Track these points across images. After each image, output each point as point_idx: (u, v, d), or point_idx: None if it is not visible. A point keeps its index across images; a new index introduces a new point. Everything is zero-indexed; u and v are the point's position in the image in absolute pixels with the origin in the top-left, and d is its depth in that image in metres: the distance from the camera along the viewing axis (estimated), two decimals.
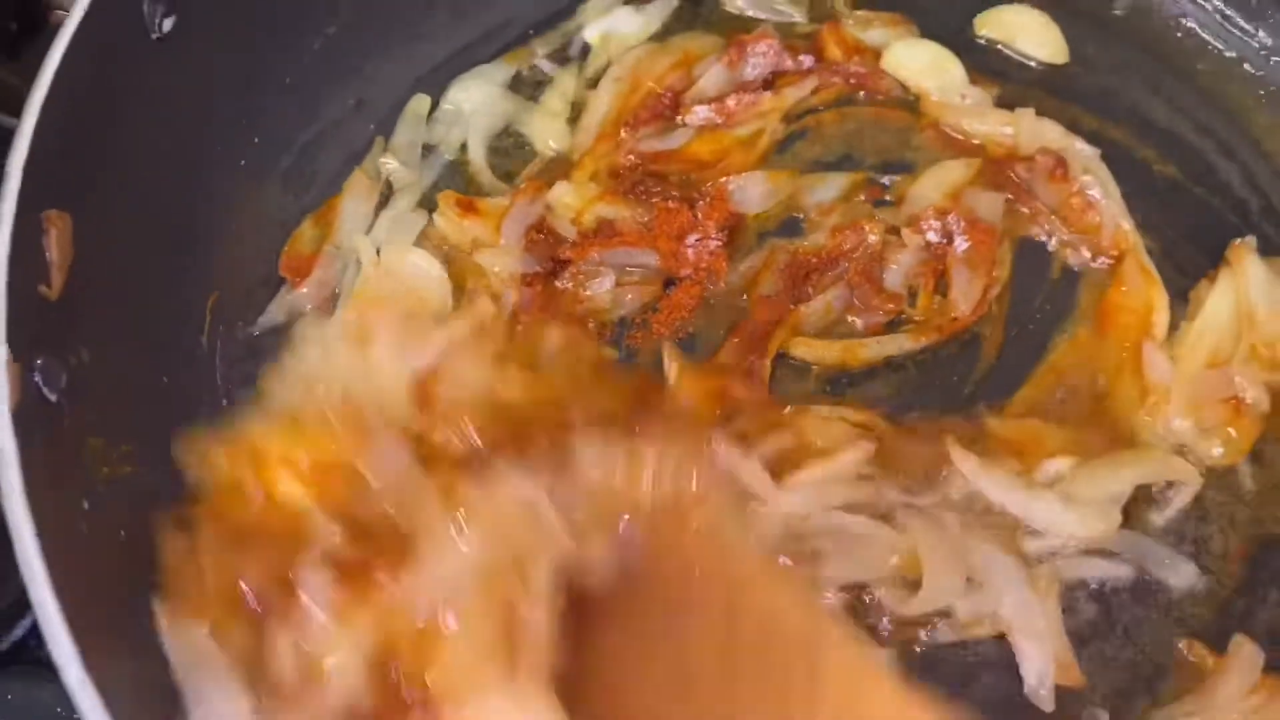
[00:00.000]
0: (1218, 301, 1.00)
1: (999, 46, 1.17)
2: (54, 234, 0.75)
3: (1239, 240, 1.02)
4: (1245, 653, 0.86)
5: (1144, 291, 1.01)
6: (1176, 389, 0.96)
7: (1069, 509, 0.88)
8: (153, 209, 0.88)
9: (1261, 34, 1.16)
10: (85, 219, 0.77)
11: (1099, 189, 1.05)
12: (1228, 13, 1.17)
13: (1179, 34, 1.18)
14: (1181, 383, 0.96)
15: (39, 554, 0.62)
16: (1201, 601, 0.89)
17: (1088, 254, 1.05)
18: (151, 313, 0.87)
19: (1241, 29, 1.17)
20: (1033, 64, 1.16)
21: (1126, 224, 1.05)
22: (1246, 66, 1.16)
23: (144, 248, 0.87)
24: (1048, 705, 0.83)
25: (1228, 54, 1.16)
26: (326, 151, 1.05)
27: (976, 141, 1.10)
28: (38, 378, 0.70)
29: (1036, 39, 1.16)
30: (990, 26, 1.17)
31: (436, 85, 1.10)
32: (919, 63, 1.13)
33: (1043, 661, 0.83)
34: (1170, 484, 0.93)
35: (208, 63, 0.91)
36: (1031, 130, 1.09)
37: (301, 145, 1.04)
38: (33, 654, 0.87)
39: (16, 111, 1.00)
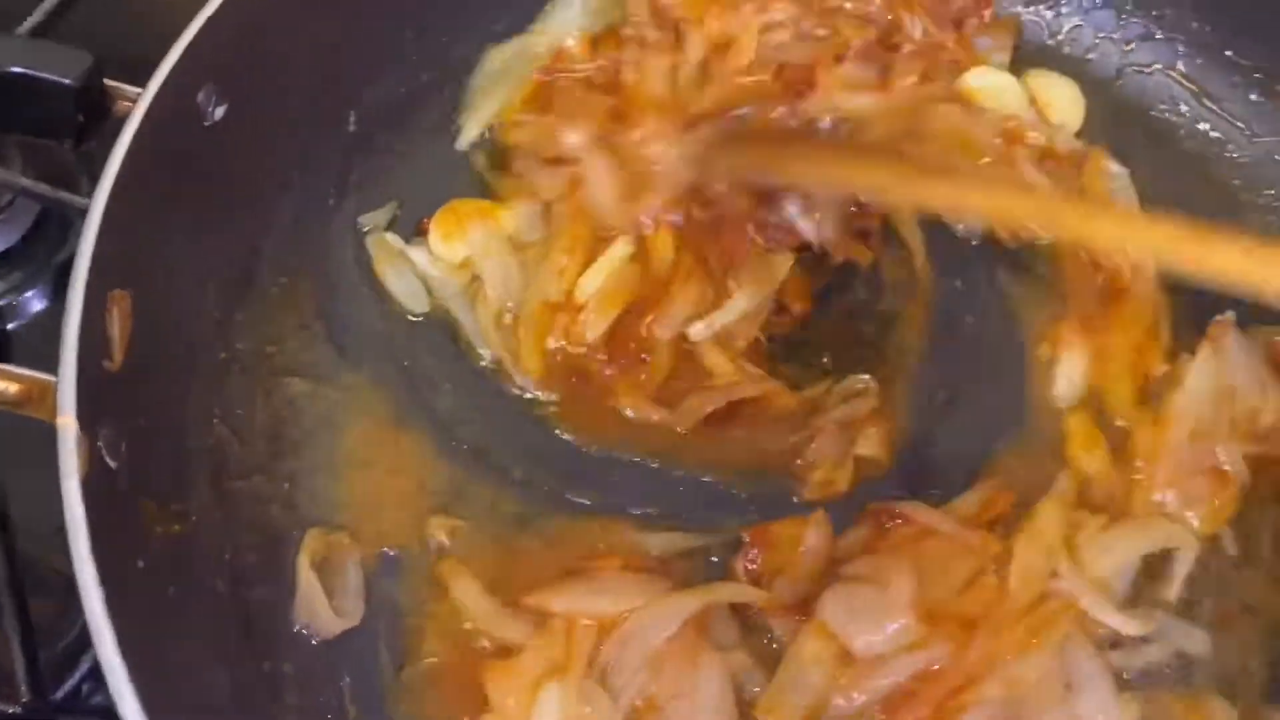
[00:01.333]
0: (1199, 376, 1.03)
1: None
2: (116, 311, 0.81)
3: (1220, 317, 1.06)
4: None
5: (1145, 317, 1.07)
6: (1162, 461, 1.01)
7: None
8: (207, 274, 0.95)
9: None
10: (141, 295, 0.84)
11: (1123, 194, 1.12)
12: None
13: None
14: (1166, 455, 1.01)
15: (107, 618, 0.67)
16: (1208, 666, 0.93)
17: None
18: (195, 378, 0.94)
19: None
20: None
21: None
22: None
23: (191, 320, 0.94)
24: None
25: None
26: None
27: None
28: (101, 447, 0.76)
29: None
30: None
31: None
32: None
33: None
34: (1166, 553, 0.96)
35: (257, 144, 0.98)
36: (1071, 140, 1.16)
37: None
38: (85, 703, 0.92)
39: (87, 177, 1.09)
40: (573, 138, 1.09)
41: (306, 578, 0.90)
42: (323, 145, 1.08)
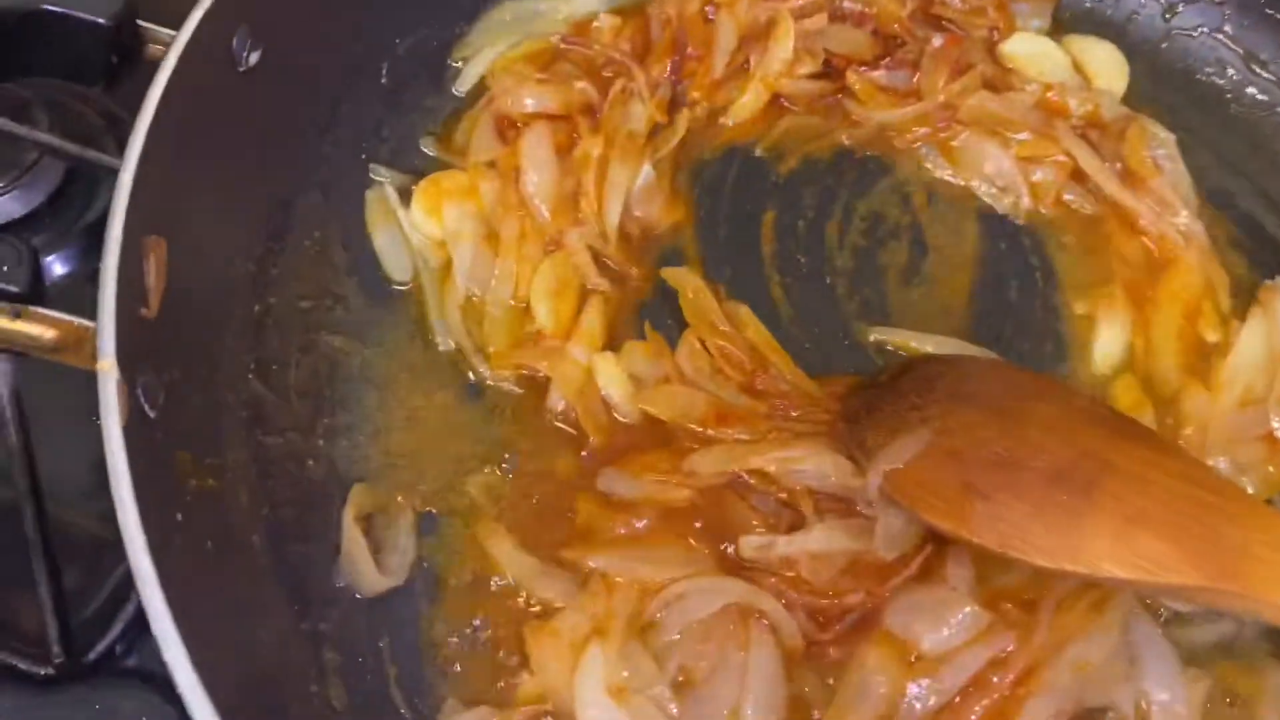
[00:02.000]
0: (1250, 340, 1.02)
1: None
2: (153, 258, 0.79)
3: (1270, 281, 1.05)
4: None
5: (1196, 285, 1.05)
6: (1213, 427, 0.99)
7: None
8: (241, 225, 0.92)
9: None
10: (177, 244, 0.81)
11: (1169, 162, 1.09)
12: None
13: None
14: (1217, 421, 0.99)
15: (152, 566, 0.65)
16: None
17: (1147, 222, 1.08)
18: (230, 331, 0.91)
19: None
20: None
21: (1189, 209, 1.08)
22: None
23: (226, 270, 0.92)
24: None
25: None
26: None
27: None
28: (140, 395, 0.74)
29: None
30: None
31: None
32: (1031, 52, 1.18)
33: None
34: None
35: (291, 92, 0.96)
36: (1117, 106, 1.14)
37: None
38: (118, 664, 0.89)
39: (117, 138, 1.07)
40: (533, 103, 1.07)
41: (351, 535, 0.88)
42: (356, 97, 1.06)
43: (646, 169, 1.07)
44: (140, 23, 0.89)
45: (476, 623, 0.88)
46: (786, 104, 1.16)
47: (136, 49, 0.89)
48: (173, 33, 0.84)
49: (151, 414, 0.75)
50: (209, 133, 0.87)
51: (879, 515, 0.89)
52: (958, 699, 0.84)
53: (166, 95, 0.81)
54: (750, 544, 0.89)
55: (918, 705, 0.83)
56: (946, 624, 0.84)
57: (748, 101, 1.13)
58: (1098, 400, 0.99)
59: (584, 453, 0.95)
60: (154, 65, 0.82)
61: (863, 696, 0.84)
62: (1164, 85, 1.20)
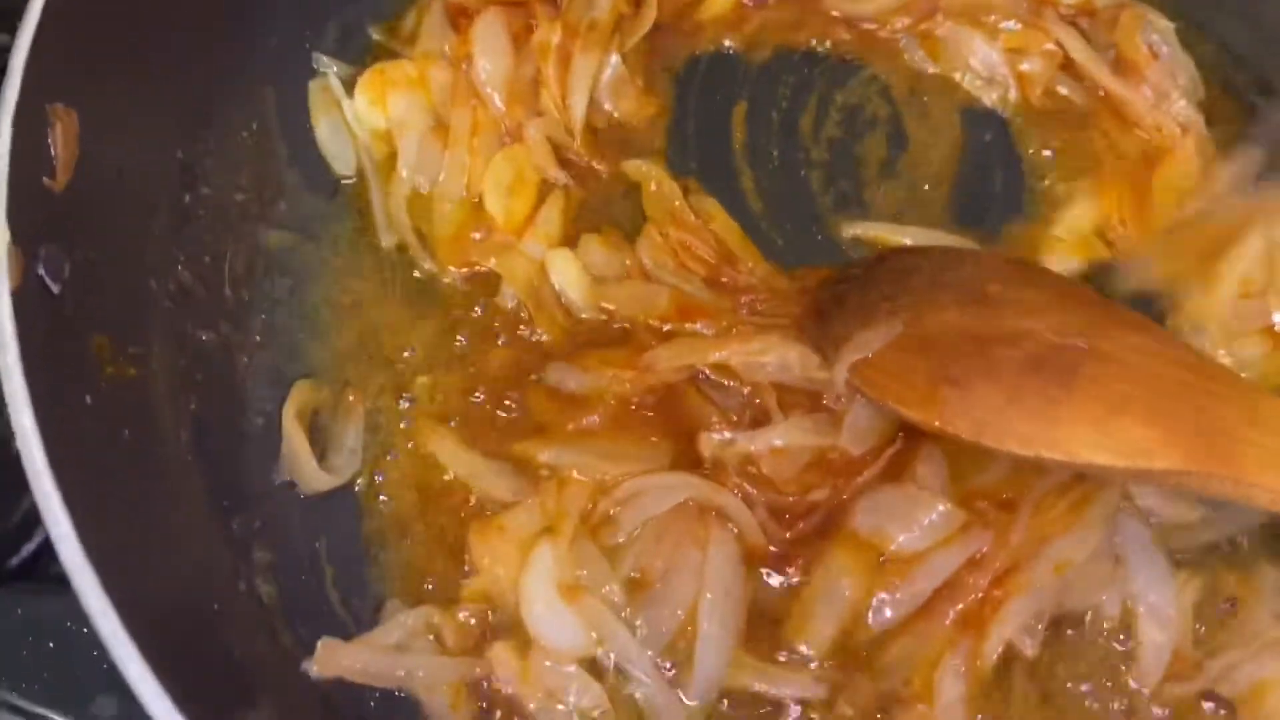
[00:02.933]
0: (1249, 236, 0.96)
1: None
2: (60, 128, 0.73)
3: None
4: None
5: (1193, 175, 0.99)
6: (1211, 319, 0.93)
7: None
8: (170, 109, 0.86)
9: None
10: (92, 118, 0.76)
11: (1166, 48, 1.03)
12: None
13: None
14: (1215, 312, 0.94)
15: (38, 438, 0.60)
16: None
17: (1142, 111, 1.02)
18: (156, 218, 0.86)
19: None
20: None
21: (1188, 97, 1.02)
22: None
23: (150, 154, 0.86)
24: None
25: None
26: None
27: None
28: (40, 266, 0.69)
29: None
30: None
31: None
32: None
33: (1163, 651, 0.80)
34: None
35: None
36: None
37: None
38: (44, 570, 0.86)
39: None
40: None
41: (292, 432, 0.84)
42: None
43: (614, 60, 1.01)
44: None
45: (418, 523, 0.83)
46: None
47: None
48: None
49: (55, 288, 0.70)
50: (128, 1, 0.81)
51: (846, 408, 0.84)
52: (931, 601, 0.79)
53: None
54: (711, 440, 0.84)
55: (888, 610, 0.79)
56: (917, 523, 0.80)
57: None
58: (1086, 286, 0.93)
59: (537, 348, 0.90)
60: None
61: (828, 601, 0.80)
62: None
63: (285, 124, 0.97)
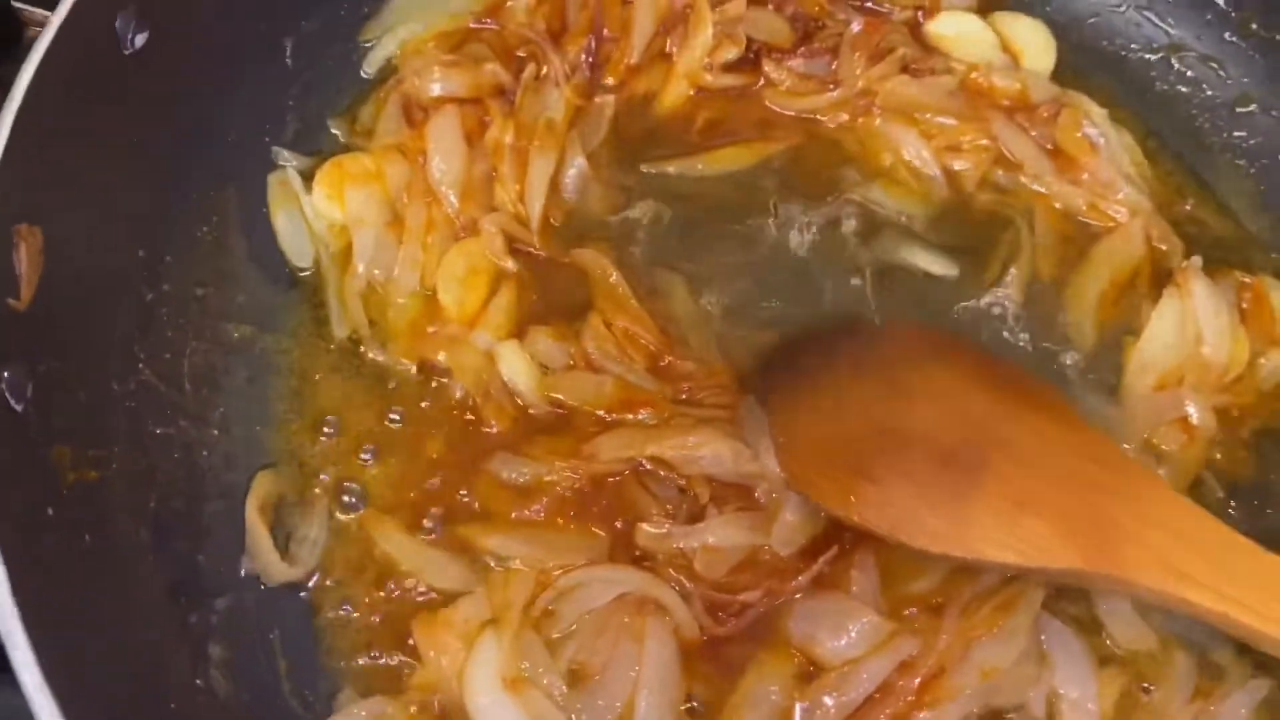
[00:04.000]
0: (1163, 323, 1.00)
1: None
2: (24, 248, 0.77)
3: (1185, 262, 1.03)
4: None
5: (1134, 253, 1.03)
6: (1125, 410, 0.98)
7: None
8: (130, 212, 0.90)
9: None
10: (55, 232, 0.79)
11: (1104, 140, 1.08)
12: None
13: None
14: (1129, 403, 0.98)
15: (4, 573, 0.64)
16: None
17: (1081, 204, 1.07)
18: (118, 321, 0.89)
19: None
20: None
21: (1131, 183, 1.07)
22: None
23: (112, 259, 0.89)
24: None
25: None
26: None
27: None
28: (3, 388, 0.72)
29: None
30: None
31: None
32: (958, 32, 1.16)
33: None
34: None
35: (184, 75, 0.93)
36: (1046, 86, 1.12)
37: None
38: None
39: None
40: (440, 87, 1.04)
41: (254, 524, 0.87)
42: (258, 78, 1.03)
43: (580, 161, 1.05)
44: (15, 3, 0.86)
45: (368, 615, 0.86)
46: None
47: (13, 28, 0.85)
48: (48, 13, 0.82)
49: (18, 407, 0.73)
50: (90, 116, 0.85)
51: (777, 507, 0.88)
52: (862, 708, 0.82)
53: (39, 78, 0.79)
54: (646, 532, 0.88)
55: (817, 716, 0.82)
56: (847, 633, 0.83)
57: (671, 95, 1.11)
58: (999, 360, 0.97)
59: (485, 437, 0.94)
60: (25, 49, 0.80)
61: (755, 706, 0.83)
62: (1090, 64, 1.18)
63: (244, 218, 1.01)
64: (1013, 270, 1.04)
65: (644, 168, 1.08)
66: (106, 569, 0.78)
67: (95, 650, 0.71)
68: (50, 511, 0.74)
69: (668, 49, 1.13)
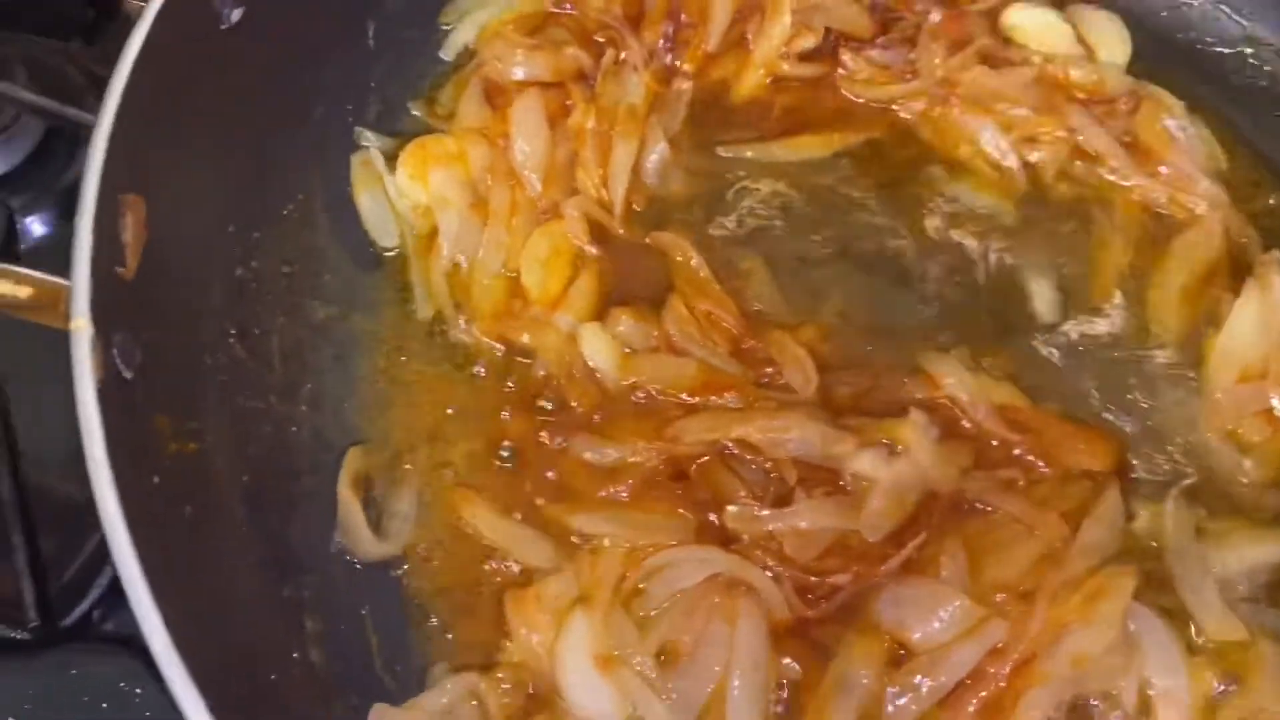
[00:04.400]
0: (1244, 316, 0.99)
1: None
2: (130, 217, 0.77)
3: (1265, 256, 1.03)
4: None
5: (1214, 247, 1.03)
6: (1206, 404, 0.97)
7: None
8: (223, 187, 0.90)
9: None
10: (156, 203, 0.80)
11: (1183, 131, 1.07)
12: None
13: None
14: (1210, 397, 0.98)
15: (126, 530, 0.64)
16: None
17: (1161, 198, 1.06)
18: (211, 295, 0.90)
19: None
20: None
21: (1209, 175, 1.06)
22: None
23: (206, 233, 0.90)
24: None
25: None
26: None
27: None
28: (116, 356, 0.72)
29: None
30: None
31: None
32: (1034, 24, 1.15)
33: None
34: None
35: (276, 51, 0.93)
36: (1122, 78, 1.11)
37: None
38: (96, 630, 0.89)
39: (95, 95, 1.05)
40: (522, 71, 1.04)
41: (347, 500, 0.87)
42: (342, 58, 1.03)
43: (662, 147, 1.05)
44: None
45: (459, 590, 0.86)
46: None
47: (116, 3, 0.86)
48: None
49: (128, 375, 0.73)
50: (189, 90, 0.85)
51: (866, 494, 0.88)
52: (953, 693, 0.82)
53: (144, 52, 0.79)
54: (735, 514, 0.87)
55: (908, 703, 0.81)
56: (937, 617, 0.83)
57: (748, 83, 1.11)
58: None
59: (570, 417, 0.93)
60: (134, 20, 0.80)
61: (847, 690, 0.82)
62: (1165, 57, 1.17)
63: (329, 198, 1.01)
64: (1118, 295, 1.03)
65: (721, 151, 1.08)
66: (207, 540, 0.79)
67: (201, 620, 0.71)
68: (155, 480, 0.74)
69: (745, 37, 1.13)
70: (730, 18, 1.12)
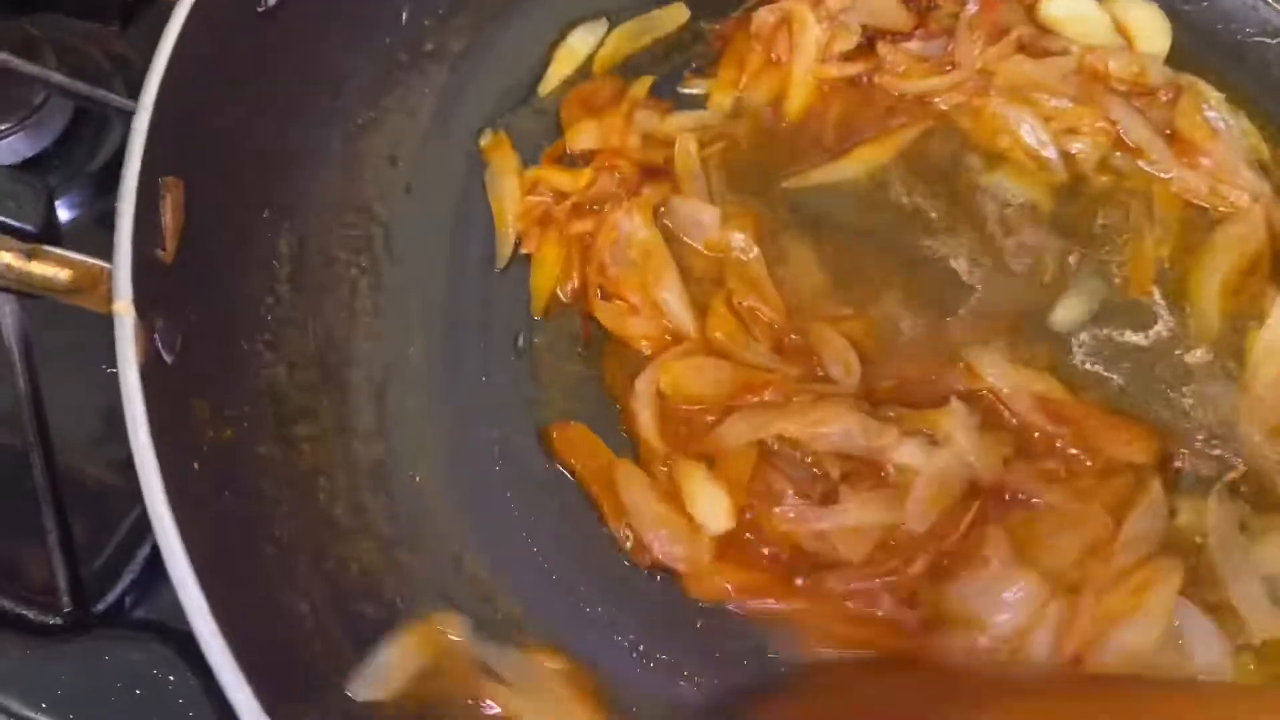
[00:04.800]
0: None
1: None
2: (169, 200, 0.77)
3: None
4: None
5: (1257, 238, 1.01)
6: (1251, 399, 0.96)
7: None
8: (252, 180, 0.89)
9: None
10: (197, 185, 0.79)
11: (1224, 124, 1.06)
12: None
13: None
14: (1256, 392, 0.96)
15: (171, 516, 0.63)
16: None
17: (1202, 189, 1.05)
18: (248, 281, 0.89)
19: None
20: None
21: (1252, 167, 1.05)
22: None
23: (242, 217, 0.89)
24: None
25: None
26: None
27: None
28: (157, 339, 0.72)
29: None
30: None
31: None
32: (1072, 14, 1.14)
33: None
34: None
35: (312, 31, 0.93)
36: (1162, 69, 1.10)
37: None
38: (128, 616, 0.88)
39: (130, 79, 1.05)
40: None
41: None
42: (378, 44, 1.02)
43: (713, 211, 1.00)
44: None
45: None
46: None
47: None
48: None
49: (169, 359, 0.73)
50: (227, 74, 0.84)
51: (909, 485, 0.87)
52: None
53: (183, 35, 0.78)
54: (783, 516, 0.86)
55: None
56: (1007, 604, 0.82)
57: (797, 100, 1.09)
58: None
59: None
60: (170, 4, 0.80)
61: None
62: (1205, 48, 1.16)
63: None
64: (1156, 289, 1.02)
65: (786, 184, 1.05)
66: (245, 532, 0.78)
67: (242, 617, 0.70)
68: (195, 465, 0.73)
69: (775, 58, 1.11)
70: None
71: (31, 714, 0.81)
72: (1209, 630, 0.84)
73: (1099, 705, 0.77)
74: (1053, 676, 0.81)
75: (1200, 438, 0.95)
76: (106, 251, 0.71)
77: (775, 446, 0.90)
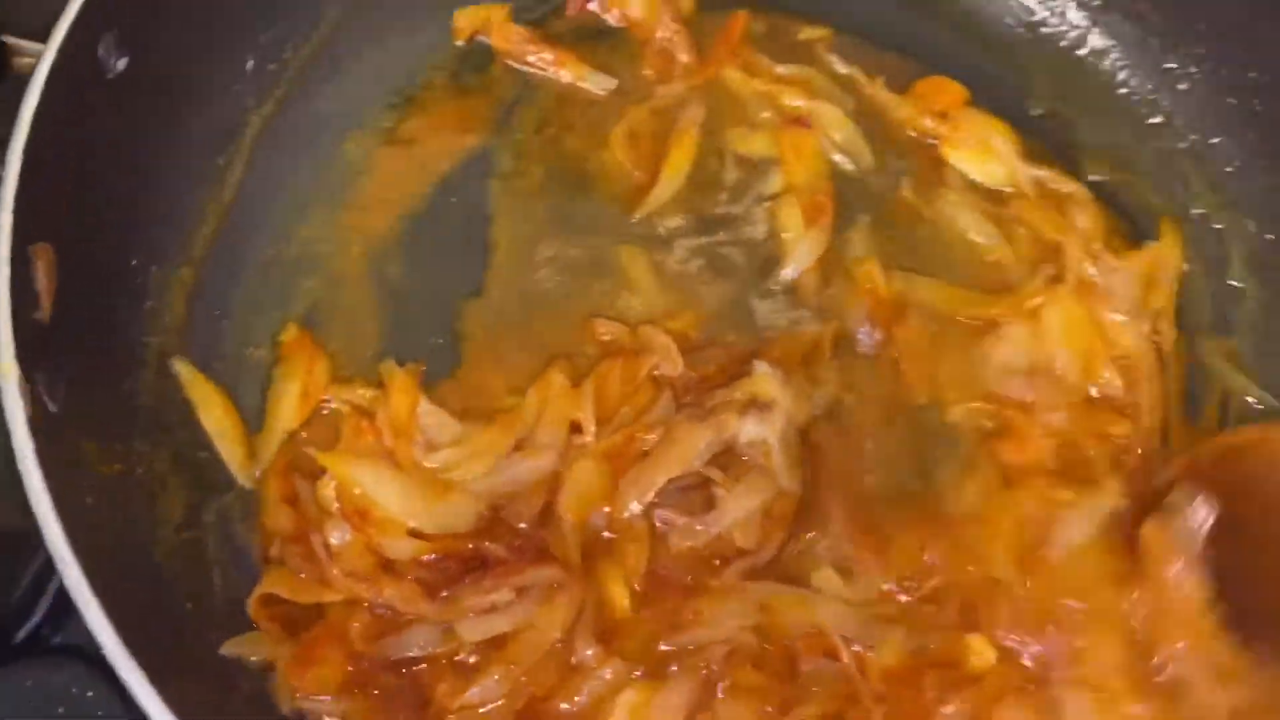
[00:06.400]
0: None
1: None
2: (41, 264, 0.84)
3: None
4: None
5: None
6: None
7: None
8: (126, 227, 0.97)
9: None
10: (66, 246, 0.86)
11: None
12: None
13: None
14: None
15: (69, 547, 0.72)
16: None
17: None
18: (129, 327, 0.97)
19: None
20: None
21: None
22: None
23: (112, 267, 0.97)
24: None
25: None
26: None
27: None
28: (42, 392, 0.80)
29: None
30: None
31: None
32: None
33: None
34: None
35: (161, 92, 0.99)
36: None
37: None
38: (45, 643, 0.95)
39: None
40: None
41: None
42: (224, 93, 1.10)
43: None
44: (6, 38, 0.92)
45: None
46: None
47: (2, 63, 0.91)
48: (40, 45, 0.88)
49: (54, 408, 0.81)
50: (86, 138, 0.91)
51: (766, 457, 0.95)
52: None
53: (40, 108, 0.85)
54: (677, 535, 0.93)
55: None
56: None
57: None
58: None
59: None
60: (23, 78, 0.87)
61: None
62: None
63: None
64: None
65: None
66: (142, 557, 0.86)
67: (145, 624, 0.78)
68: (89, 500, 0.82)
69: None
70: None
71: None
72: None
73: None
74: None
75: None
76: None
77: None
